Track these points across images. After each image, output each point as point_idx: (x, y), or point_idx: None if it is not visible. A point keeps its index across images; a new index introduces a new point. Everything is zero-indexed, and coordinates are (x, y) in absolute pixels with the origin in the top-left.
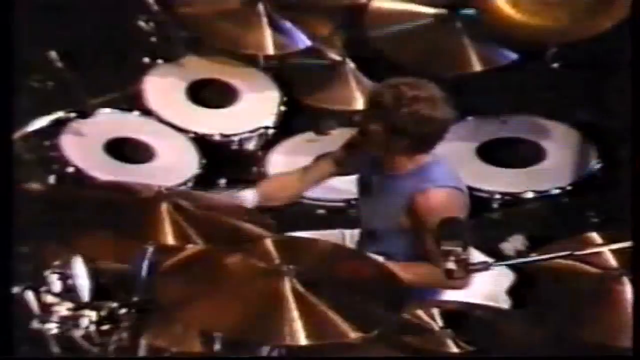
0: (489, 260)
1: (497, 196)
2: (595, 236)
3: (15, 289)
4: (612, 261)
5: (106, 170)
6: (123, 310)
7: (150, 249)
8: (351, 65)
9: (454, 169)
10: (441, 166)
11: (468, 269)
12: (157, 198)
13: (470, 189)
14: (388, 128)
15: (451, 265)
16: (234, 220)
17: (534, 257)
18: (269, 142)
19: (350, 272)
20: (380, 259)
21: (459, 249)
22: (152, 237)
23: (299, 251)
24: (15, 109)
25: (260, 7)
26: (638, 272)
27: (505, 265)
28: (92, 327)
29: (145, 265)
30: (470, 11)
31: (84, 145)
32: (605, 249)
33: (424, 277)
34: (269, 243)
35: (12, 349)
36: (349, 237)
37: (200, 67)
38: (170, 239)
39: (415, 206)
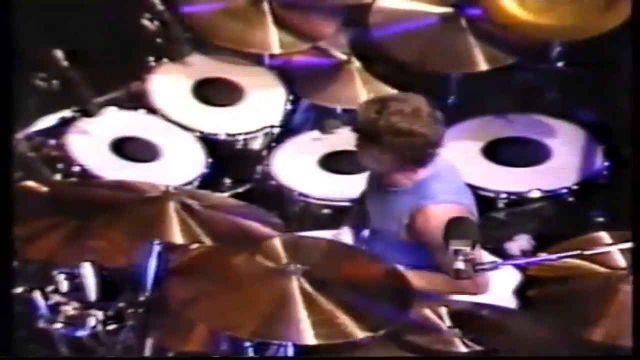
0: (498, 260)
1: (503, 196)
2: (604, 235)
3: (22, 289)
4: (621, 261)
5: (112, 169)
6: (130, 310)
7: (158, 248)
8: (356, 64)
9: (456, 182)
10: (440, 181)
11: (476, 268)
12: (165, 197)
13: (476, 188)
14: (370, 140)
15: (460, 264)
16: (241, 220)
17: (543, 256)
18: (274, 141)
19: (358, 272)
20: None
21: (468, 249)
22: (159, 236)
23: (306, 251)
24: (18, 108)
25: (266, 5)
26: (638, 272)
27: (513, 264)
28: (99, 327)
29: (152, 264)
30: (475, 10)
31: (90, 144)
32: (614, 249)
33: (439, 286)
34: (276, 242)
35: (12, 348)
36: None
37: (205, 66)
38: (178, 238)
39: (414, 224)
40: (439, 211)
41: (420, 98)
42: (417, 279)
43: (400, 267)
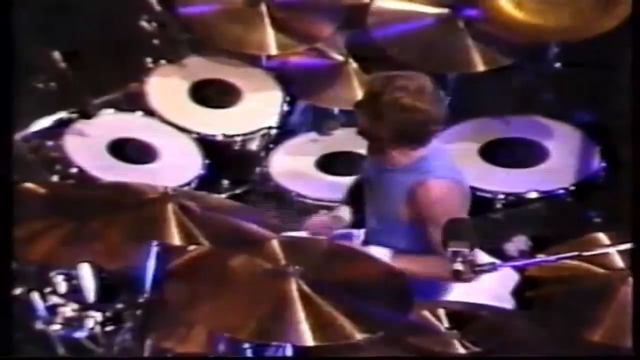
0: (496, 261)
1: (500, 196)
2: (602, 237)
3: (20, 290)
4: (619, 262)
5: (109, 171)
6: (128, 311)
7: (156, 250)
8: (353, 65)
9: (454, 161)
10: (440, 158)
11: (475, 269)
12: (163, 198)
13: (473, 189)
14: (371, 115)
15: (459, 266)
16: (239, 221)
17: (541, 257)
18: (271, 143)
19: (357, 273)
20: (386, 252)
21: (466, 250)
22: (158, 237)
23: (304, 252)
24: (16, 110)
25: (263, 7)
26: (638, 273)
27: (511, 266)
28: (97, 328)
29: (151, 266)
30: (472, 11)
31: (87, 145)
32: (612, 250)
33: (431, 269)
34: (274, 244)
35: (12, 349)
36: (357, 236)
37: (202, 68)
38: (176, 240)
39: (414, 198)
40: (440, 185)
41: (425, 77)
42: (407, 262)
43: (392, 252)
